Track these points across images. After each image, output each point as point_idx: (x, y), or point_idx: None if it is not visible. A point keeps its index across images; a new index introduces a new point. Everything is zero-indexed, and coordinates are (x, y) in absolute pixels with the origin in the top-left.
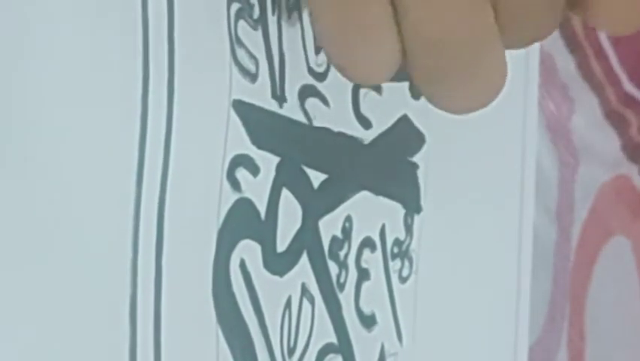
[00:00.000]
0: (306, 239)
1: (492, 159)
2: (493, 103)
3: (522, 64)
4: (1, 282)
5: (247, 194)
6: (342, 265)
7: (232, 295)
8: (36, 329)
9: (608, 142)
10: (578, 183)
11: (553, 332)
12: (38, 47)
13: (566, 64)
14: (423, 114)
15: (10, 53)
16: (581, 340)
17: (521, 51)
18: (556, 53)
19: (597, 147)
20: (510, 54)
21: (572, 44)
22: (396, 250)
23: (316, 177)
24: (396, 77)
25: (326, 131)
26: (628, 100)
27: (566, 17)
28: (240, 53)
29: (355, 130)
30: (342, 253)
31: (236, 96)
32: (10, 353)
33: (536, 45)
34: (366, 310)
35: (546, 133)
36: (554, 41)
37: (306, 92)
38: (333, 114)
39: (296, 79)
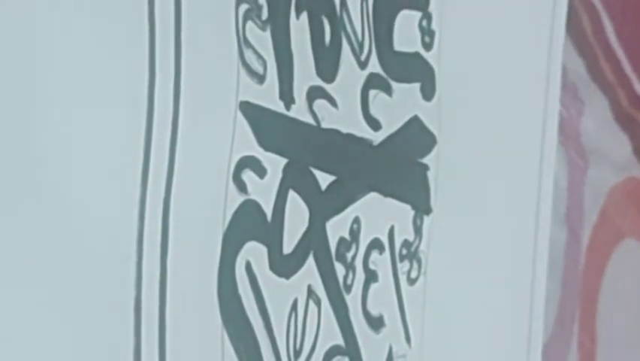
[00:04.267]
0: (313, 241)
1: (506, 161)
2: (510, 103)
3: (543, 68)
4: (5, 282)
5: (253, 196)
6: (350, 267)
7: (238, 298)
8: (40, 330)
9: (619, 144)
10: (588, 186)
11: (562, 335)
12: (45, 47)
13: (575, 65)
14: (434, 115)
15: (18, 52)
16: (591, 343)
17: (543, 56)
18: (564, 54)
19: (607, 149)
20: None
21: (582, 46)
22: (404, 251)
23: (324, 179)
24: (408, 77)
25: (334, 132)
26: (639, 102)
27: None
28: (248, 55)
29: (364, 132)
30: (349, 255)
31: (243, 98)
32: (14, 354)
33: (559, 50)
34: (374, 312)
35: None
36: (563, 42)
37: (314, 94)
38: (342, 116)
39: (304, 80)
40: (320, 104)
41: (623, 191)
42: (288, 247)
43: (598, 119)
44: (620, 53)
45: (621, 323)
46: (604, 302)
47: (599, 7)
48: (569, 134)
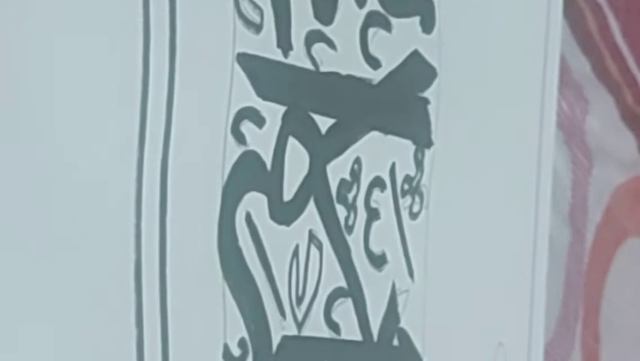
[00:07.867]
0: (313, 185)
1: (508, 89)
2: (511, 32)
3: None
4: (3, 247)
5: (253, 146)
6: (351, 208)
7: (238, 251)
8: (39, 293)
9: (624, 142)
10: (592, 185)
11: (566, 334)
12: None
13: (579, 65)
14: (435, 48)
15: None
16: (595, 342)
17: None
18: (568, 54)
19: (612, 148)
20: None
21: (587, 45)
22: (406, 186)
23: (324, 123)
24: (407, 12)
25: (333, 75)
26: None
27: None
28: (244, 5)
29: (364, 71)
30: (350, 196)
31: (240, 49)
32: (14, 310)
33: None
34: (376, 250)
35: (559, 133)
36: (566, 42)
37: (312, 38)
38: (341, 58)
39: (302, 25)
40: (318, 47)
41: (628, 190)
42: (288, 194)
43: (603, 118)
44: (626, 52)
45: (625, 321)
46: (608, 301)
47: (605, 6)
48: (573, 133)
